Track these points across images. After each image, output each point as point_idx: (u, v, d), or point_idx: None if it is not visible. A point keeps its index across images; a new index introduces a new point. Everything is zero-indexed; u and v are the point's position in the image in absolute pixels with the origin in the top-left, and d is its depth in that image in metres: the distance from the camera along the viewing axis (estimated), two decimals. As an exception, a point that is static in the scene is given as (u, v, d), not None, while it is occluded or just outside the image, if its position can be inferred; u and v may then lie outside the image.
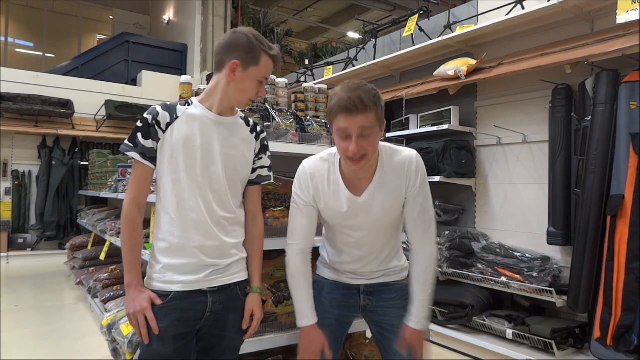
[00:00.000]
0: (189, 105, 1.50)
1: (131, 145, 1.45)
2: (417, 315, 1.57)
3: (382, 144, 1.58)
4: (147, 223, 3.09)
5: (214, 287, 1.48)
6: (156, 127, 1.44)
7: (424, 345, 1.57)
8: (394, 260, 1.71)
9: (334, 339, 1.67)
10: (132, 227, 1.46)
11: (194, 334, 1.49)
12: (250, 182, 1.61)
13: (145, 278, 1.51)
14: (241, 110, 1.79)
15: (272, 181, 1.67)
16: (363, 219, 1.58)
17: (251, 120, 1.62)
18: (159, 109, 1.46)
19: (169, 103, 1.50)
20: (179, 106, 1.49)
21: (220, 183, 1.49)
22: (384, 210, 1.57)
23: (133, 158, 1.46)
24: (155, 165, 1.47)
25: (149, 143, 1.44)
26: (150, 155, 1.45)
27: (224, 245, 1.50)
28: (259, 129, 1.62)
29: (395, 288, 1.69)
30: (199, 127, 1.47)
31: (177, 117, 1.46)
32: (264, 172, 1.64)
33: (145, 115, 1.46)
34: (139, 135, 1.44)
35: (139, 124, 1.46)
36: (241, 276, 1.56)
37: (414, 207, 1.58)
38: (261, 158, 1.62)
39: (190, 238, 1.45)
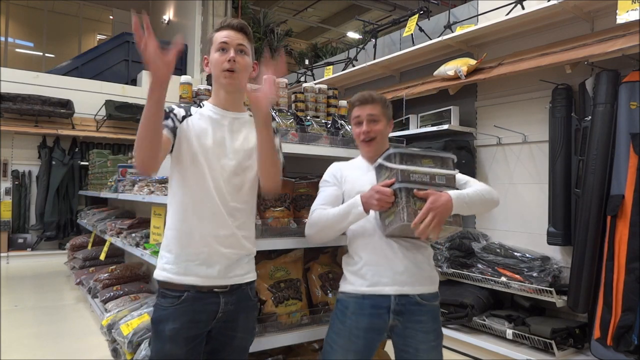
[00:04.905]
0: (200, 107, 1.59)
1: None
2: (461, 193, 1.57)
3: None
4: (147, 223, 3.09)
5: (226, 287, 1.51)
6: (172, 115, 1.51)
7: (438, 215, 1.48)
8: (421, 252, 1.67)
9: None
10: None
11: (204, 335, 1.51)
12: None
13: (156, 270, 1.52)
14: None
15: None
16: None
17: None
18: (174, 106, 1.55)
19: (182, 104, 1.59)
20: (192, 107, 1.59)
21: (233, 174, 1.53)
22: None
23: None
24: (173, 139, 1.49)
25: (169, 122, 1.49)
26: (170, 128, 1.48)
27: (235, 236, 1.53)
28: None
29: (428, 309, 1.65)
30: (211, 123, 1.55)
31: (190, 114, 1.55)
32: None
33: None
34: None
35: None
36: (252, 276, 1.60)
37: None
38: None
39: (204, 226, 1.48)
